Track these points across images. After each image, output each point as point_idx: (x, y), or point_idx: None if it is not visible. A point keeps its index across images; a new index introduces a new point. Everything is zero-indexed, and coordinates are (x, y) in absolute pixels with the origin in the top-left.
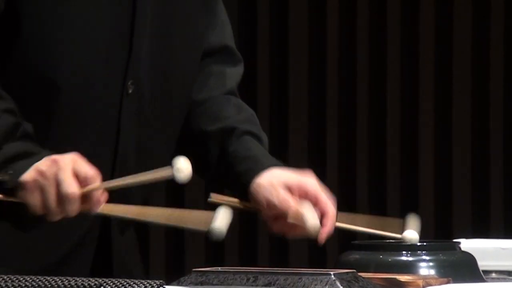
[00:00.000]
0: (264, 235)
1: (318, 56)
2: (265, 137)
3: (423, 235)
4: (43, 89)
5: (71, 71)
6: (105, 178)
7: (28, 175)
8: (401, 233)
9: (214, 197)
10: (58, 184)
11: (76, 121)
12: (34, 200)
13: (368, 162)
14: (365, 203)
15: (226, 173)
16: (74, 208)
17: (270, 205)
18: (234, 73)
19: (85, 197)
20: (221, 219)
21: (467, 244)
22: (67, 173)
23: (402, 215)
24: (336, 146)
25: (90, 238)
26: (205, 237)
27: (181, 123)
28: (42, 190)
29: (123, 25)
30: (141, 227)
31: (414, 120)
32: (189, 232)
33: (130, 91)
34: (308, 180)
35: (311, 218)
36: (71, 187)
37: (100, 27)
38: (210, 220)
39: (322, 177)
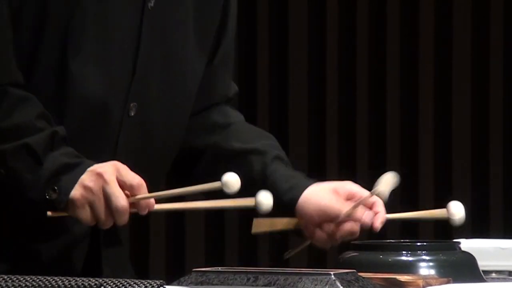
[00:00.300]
0: (264, 235)
1: (318, 56)
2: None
3: (423, 236)
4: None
5: (78, 83)
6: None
7: (76, 192)
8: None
9: (256, 224)
10: (106, 199)
11: (77, 133)
12: (84, 215)
13: (368, 163)
14: None
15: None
16: (125, 218)
17: (322, 210)
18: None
19: (134, 204)
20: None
21: (467, 244)
22: (114, 186)
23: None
24: (336, 147)
25: (80, 248)
26: (205, 237)
27: (175, 153)
28: (91, 205)
29: (129, 46)
30: (140, 228)
31: (414, 121)
32: (189, 232)
33: (132, 114)
34: (351, 184)
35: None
36: (121, 201)
37: (108, 45)
38: None
39: (321, 178)
